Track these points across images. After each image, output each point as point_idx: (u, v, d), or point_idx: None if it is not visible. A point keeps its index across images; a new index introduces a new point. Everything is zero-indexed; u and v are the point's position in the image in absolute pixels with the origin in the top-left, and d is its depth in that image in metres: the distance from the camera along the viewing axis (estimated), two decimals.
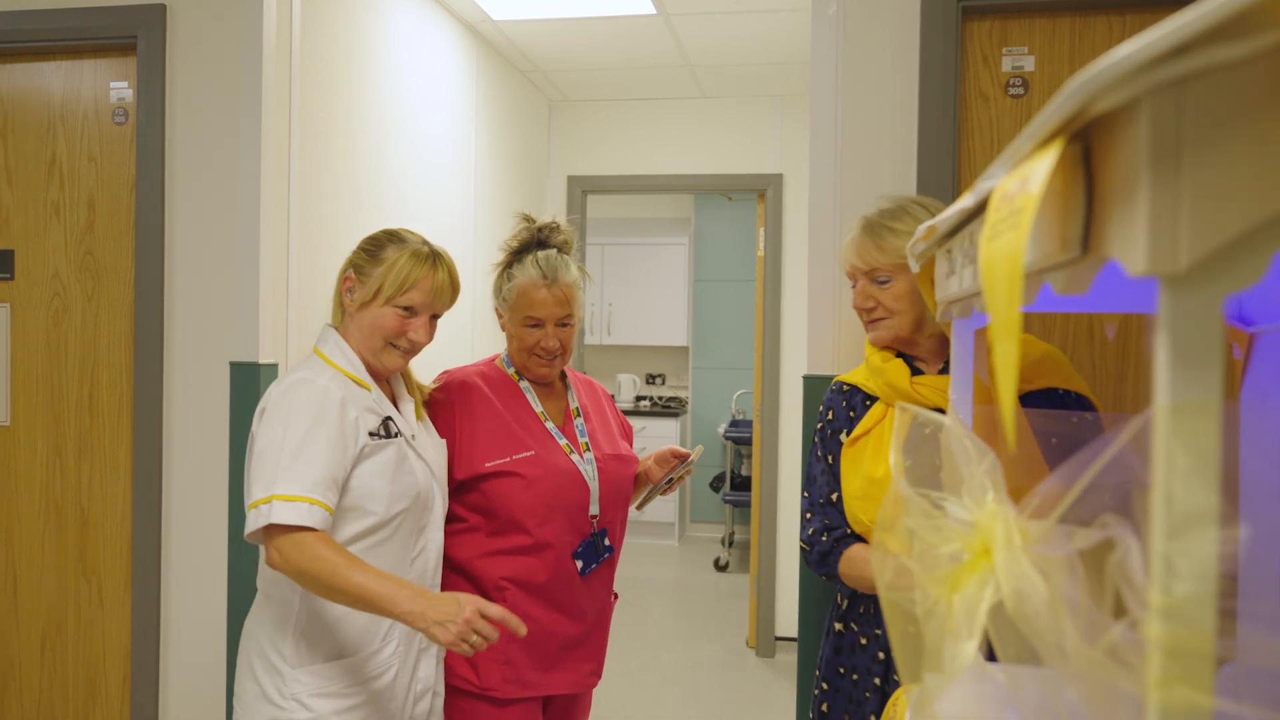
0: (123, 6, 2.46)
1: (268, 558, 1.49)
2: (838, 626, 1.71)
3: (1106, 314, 1.68)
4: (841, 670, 1.70)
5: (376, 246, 1.68)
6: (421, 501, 1.69)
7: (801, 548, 1.70)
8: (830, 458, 1.69)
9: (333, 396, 1.58)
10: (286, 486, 1.48)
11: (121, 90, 2.52)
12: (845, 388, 1.73)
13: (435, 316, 1.71)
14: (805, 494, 1.73)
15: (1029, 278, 0.76)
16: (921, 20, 2.11)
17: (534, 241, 1.91)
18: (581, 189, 4.79)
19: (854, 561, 1.60)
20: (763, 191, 4.67)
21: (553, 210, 4.76)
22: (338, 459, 1.54)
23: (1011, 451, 0.77)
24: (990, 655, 0.82)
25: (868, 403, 1.69)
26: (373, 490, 1.60)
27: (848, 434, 1.68)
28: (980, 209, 0.95)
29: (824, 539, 1.65)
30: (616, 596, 2.02)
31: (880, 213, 1.64)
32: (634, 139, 4.76)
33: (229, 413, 2.39)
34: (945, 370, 1.64)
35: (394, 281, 1.64)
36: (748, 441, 6.51)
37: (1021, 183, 0.69)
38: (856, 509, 1.61)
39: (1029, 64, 2.11)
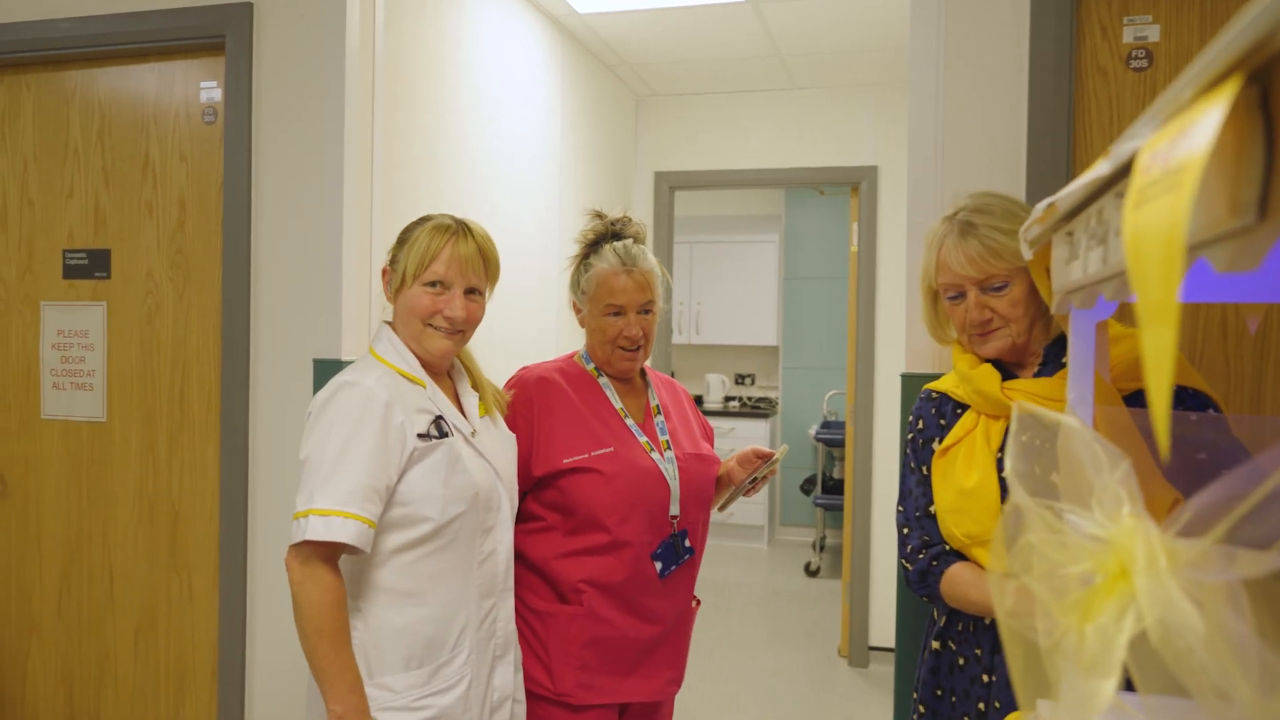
0: (211, 6, 2.48)
1: (287, 566, 1.48)
2: (935, 645, 1.59)
3: (1250, 304, 1.52)
4: (939, 692, 1.58)
5: (405, 233, 1.65)
6: (483, 502, 1.61)
7: (901, 565, 1.59)
8: (924, 468, 1.58)
9: (377, 399, 1.52)
10: (324, 499, 1.45)
11: (211, 90, 2.54)
12: (935, 395, 1.62)
13: (473, 291, 1.63)
14: (900, 508, 1.63)
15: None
16: None
17: (608, 234, 1.88)
18: (669, 185, 4.71)
19: (956, 582, 1.48)
20: (856, 185, 4.50)
21: (639, 208, 4.69)
22: (380, 467, 1.49)
23: (1165, 460, 0.66)
24: (1127, 683, 0.70)
25: (958, 411, 1.58)
26: (425, 494, 1.53)
27: (939, 443, 1.56)
28: (1115, 178, 0.83)
29: (922, 556, 1.54)
30: (699, 602, 1.93)
31: (977, 212, 1.51)
32: (722, 133, 4.65)
33: None
34: (1043, 372, 1.51)
35: (416, 258, 1.58)
36: (840, 443, 6.33)
37: (1180, 136, 0.57)
38: (949, 522, 1.50)
39: (1153, 34, 1.94)
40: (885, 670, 4.34)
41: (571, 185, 3.91)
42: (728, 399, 7.13)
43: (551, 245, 3.68)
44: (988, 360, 1.54)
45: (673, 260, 4.90)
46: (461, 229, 1.62)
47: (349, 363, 2.37)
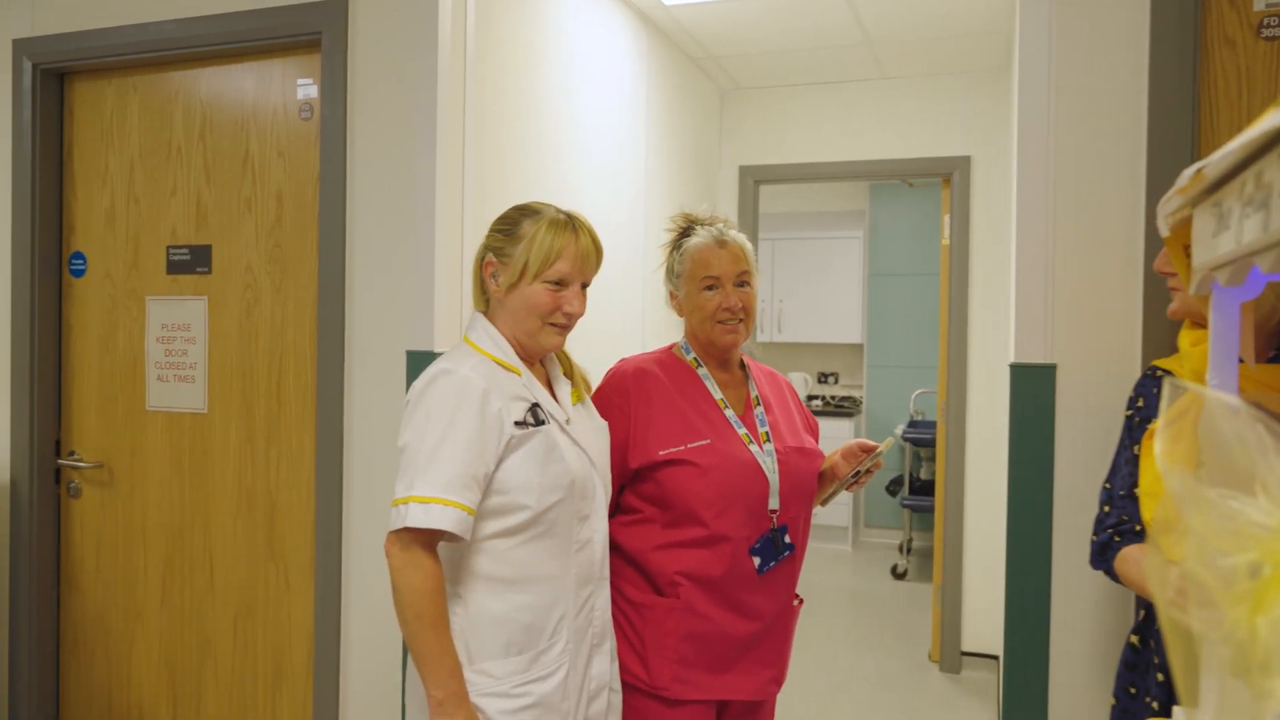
0: (307, 3, 2.52)
1: (386, 552, 1.49)
2: (1133, 640, 1.56)
3: None
4: (1133, 690, 1.54)
5: (511, 224, 1.62)
6: (579, 490, 1.59)
7: (1091, 540, 1.56)
8: (1136, 447, 1.53)
9: (474, 387, 1.51)
10: (423, 487, 1.45)
11: (307, 87, 2.58)
12: (1159, 373, 1.58)
13: (585, 285, 1.65)
14: (1106, 484, 1.60)
15: None
16: None
17: (697, 223, 1.92)
18: (754, 179, 4.64)
19: (1128, 561, 1.44)
20: (948, 176, 4.38)
21: (724, 203, 4.64)
22: (478, 455, 1.49)
23: None
24: None
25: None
26: (523, 482, 1.53)
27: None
28: None
29: (1108, 532, 1.52)
30: (801, 601, 1.87)
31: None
32: (808, 126, 4.57)
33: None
34: (1277, 359, 1.42)
35: (539, 256, 1.57)
36: (928, 443, 6.17)
37: None
38: (1147, 505, 1.45)
39: None
40: (979, 676, 4.20)
41: (657, 180, 3.88)
42: (811, 398, 7.02)
43: (638, 241, 3.65)
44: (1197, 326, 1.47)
45: (756, 257, 4.83)
46: (574, 224, 1.62)
47: (442, 354, 2.37)
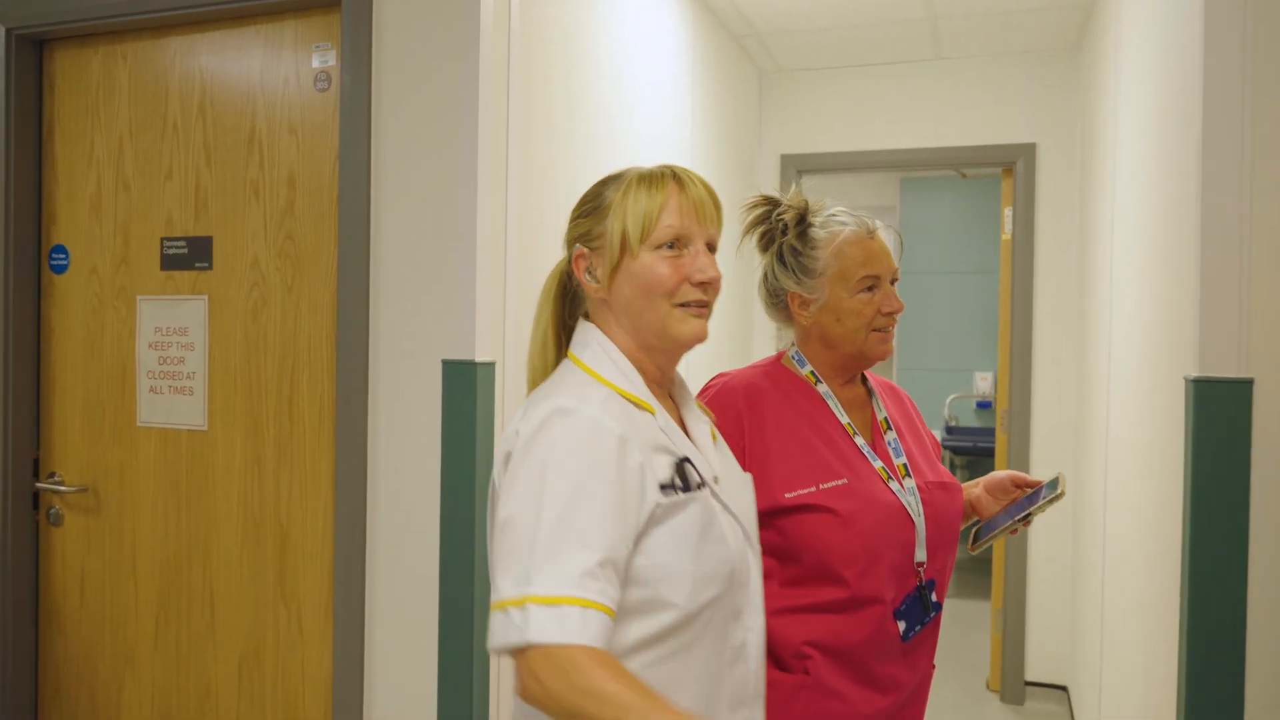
0: None
1: (522, 687, 1.00)
2: None
3: None
4: None
5: (593, 199, 1.25)
6: (738, 578, 1.15)
7: None
8: None
9: (608, 435, 1.08)
10: (546, 583, 0.99)
11: (325, 53, 2.23)
12: None
13: (712, 248, 1.23)
14: None
15: None
16: None
17: (804, 211, 1.59)
18: (796, 169, 4.30)
19: None
20: (1010, 165, 4.04)
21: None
22: (619, 530, 1.04)
23: None
24: None
25: None
26: (670, 572, 1.09)
27: None
28: None
29: None
30: (935, 667, 1.54)
31: None
32: (854, 112, 4.22)
33: (440, 418, 2.06)
34: None
35: (637, 216, 1.17)
36: (966, 451, 5.84)
37: None
38: None
39: None
40: (1045, 708, 3.87)
41: (702, 170, 3.53)
42: None
43: None
44: None
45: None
46: (674, 172, 1.21)
47: (484, 364, 2.03)
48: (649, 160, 2.99)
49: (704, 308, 1.19)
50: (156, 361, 2.38)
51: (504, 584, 1.02)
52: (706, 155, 3.60)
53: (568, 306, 1.28)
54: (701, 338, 1.19)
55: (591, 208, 1.24)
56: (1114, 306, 2.82)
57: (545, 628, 0.97)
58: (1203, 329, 1.61)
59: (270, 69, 2.28)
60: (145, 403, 2.40)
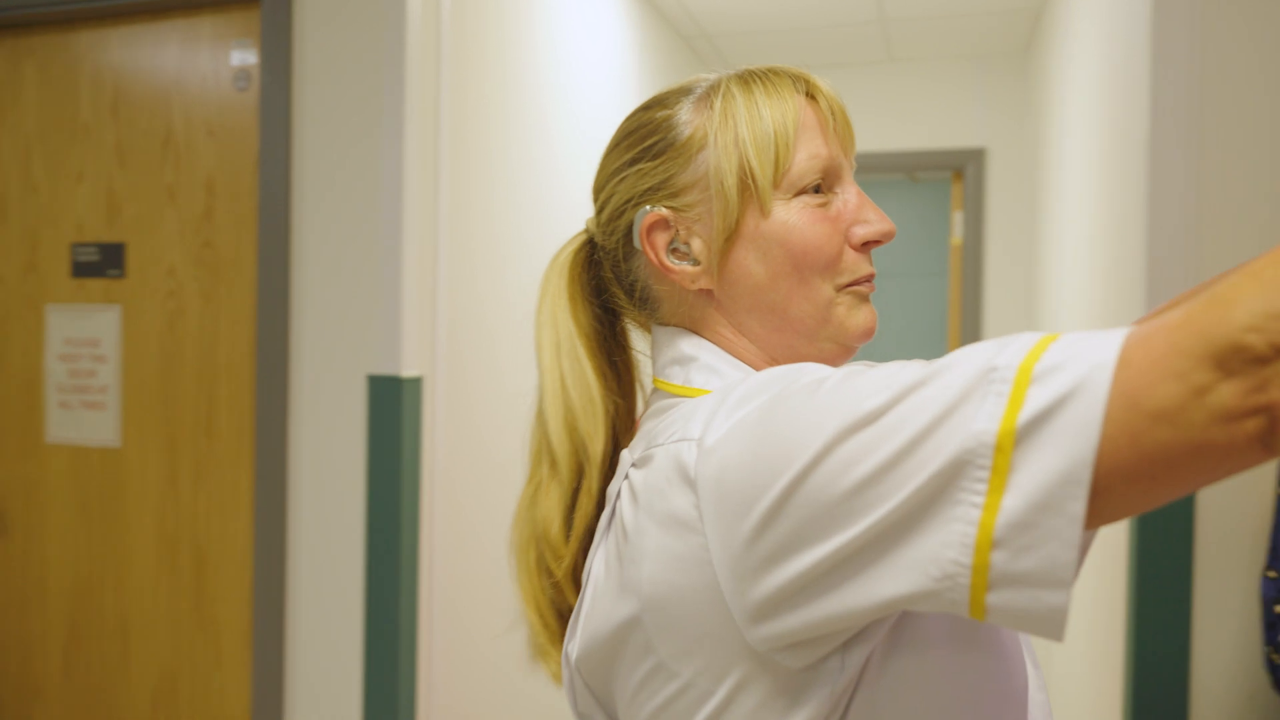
0: None
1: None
2: None
3: None
4: None
5: (661, 130, 0.75)
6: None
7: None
8: None
9: None
10: (1017, 347, 0.56)
11: (245, 50, 2.12)
12: None
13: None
14: (1270, 572, 1.32)
15: None
16: None
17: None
18: None
19: None
20: (960, 169, 4.02)
21: None
22: None
23: None
24: None
25: None
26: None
27: None
28: None
29: None
30: None
31: None
32: None
33: (366, 435, 1.96)
34: None
35: (765, 145, 0.71)
36: None
37: None
38: None
39: None
40: None
41: None
42: None
43: None
44: None
45: None
46: (791, 72, 0.76)
47: (411, 379, 1.93)
48: (594, 164, 2.91)
49: (871, 284, 0.76)
50: (66, 375, 2.25)
51: (998, 358, 0.53)
52: None
53: (591, 311, 0.82)
54: (873, 332, 0.76)
55: (661, 143, 0.75)
56: (1062, 311, 2.79)
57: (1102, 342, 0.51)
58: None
59: (187, 67, 2.16)
60: (54, 418, 2.26)
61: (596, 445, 0.77)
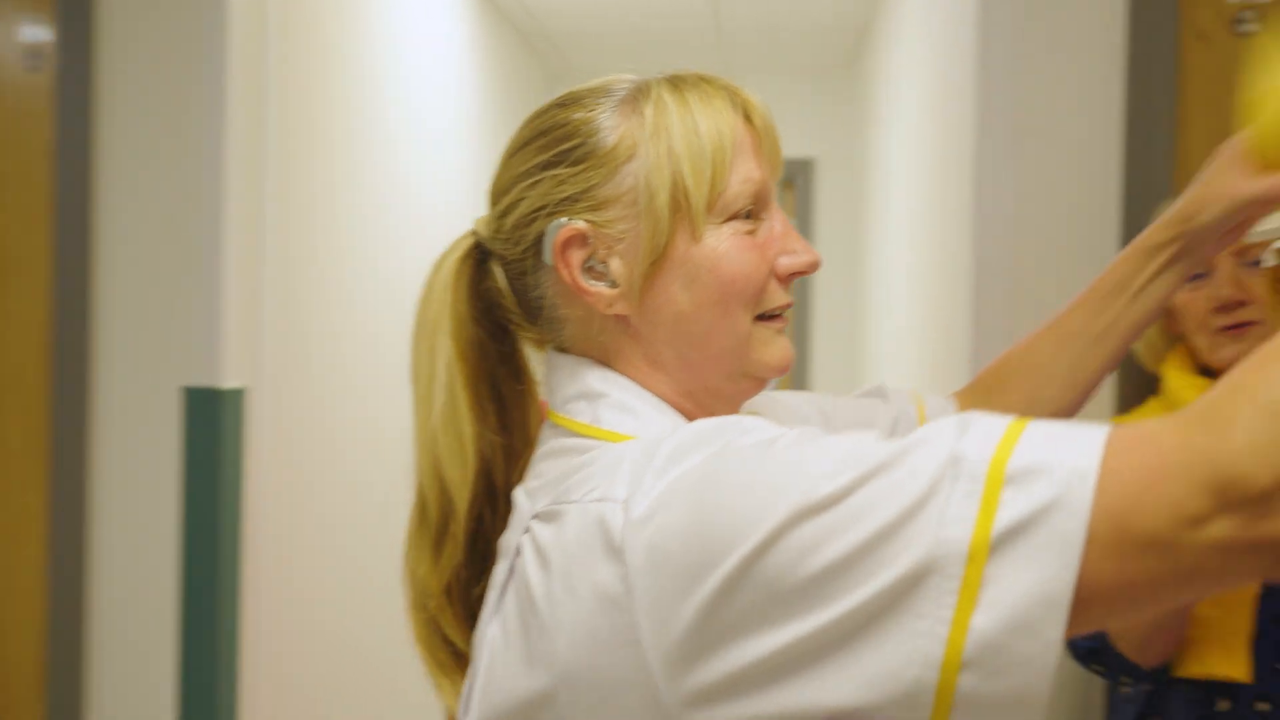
0: None
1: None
2: None
3: None
4: None
5: (581, 132, 0.69)
6: None
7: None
8: None
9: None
10: (983, 430, 0.55)
11: (37, 25, 1.90)
12: None
13: None
14: None
15: None
16: None
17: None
18: None
19: None
20: (790, 180, 4.14)
21: None
22: None
23: None
24: None
25: None
26: None
27: None
28: None
29: None
30: None
31: None
32: None
33: (181, 455, 1.79)
34: None
35: (702, 163, 0.66)
36: None
37: None
38: None
39: None
40: None
41: (486, 169, 3.38)
42: None
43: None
44: (1214, 377, 1.21)
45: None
46: (720, 83, 0.71)
47: (231, 391, 1.78)
48: (435, 164, 2.82)
49: (786, 315, 0.72)
50: None
51: (968, 448, 0.49)
52: (489, 155, 3.44)
53: (477, 329, 0.73)
54: (789, 366, 0.72)
55: (581, 148, 0.68)
56: (889, 322, 2.91)
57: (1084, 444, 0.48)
58: (974, 348, 1.64)
59: None
60: None
61: (462, 491, 0.70)
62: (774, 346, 0.70)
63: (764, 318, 0.70)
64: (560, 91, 0.75)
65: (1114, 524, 0.44)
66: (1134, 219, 1.56)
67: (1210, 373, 1.23)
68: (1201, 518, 0.43)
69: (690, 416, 0.69)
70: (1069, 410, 0.91)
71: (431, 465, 0.71)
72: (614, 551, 0.55)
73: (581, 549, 0.57)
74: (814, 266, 0.71)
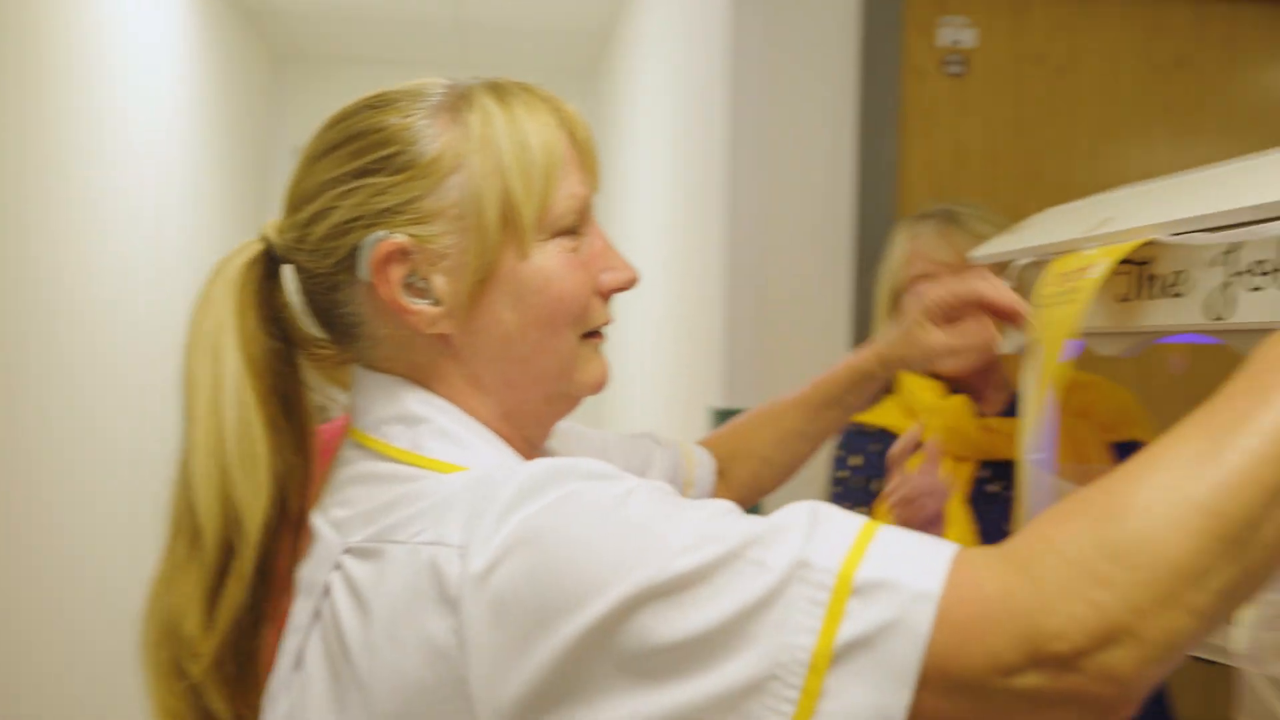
0: None
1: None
2: None
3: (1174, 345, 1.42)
4: None
5: (398, 139, 0.64)
6: None
7: None
8: (862, 509, 1.31)
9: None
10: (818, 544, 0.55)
11: None
12: (873, 429, 1.36)
13: None
14: None
15: None
16: None
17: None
18: None
19: None
20: None
21: (279, 188, 3.94)
22: None
23: None
24: None
25: None
26: None
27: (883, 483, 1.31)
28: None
29: None
30: None
31: (958, 204, 1.36)
32: None
33: None
34: (1010, 412, 1.30)
35: (534, 177, 0.64)
36: None
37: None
38: None
39: (968, 38, 1.81)
40: None
41: (207, 161, 3.12)
42: None
43: (187, 229, 2.89)
44: (943, 381, 1.32)
45: None
46: (534, 91, 0.69)
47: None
48: (143, 152, 2.55)
49: (603, 334, 0.71)
50: None
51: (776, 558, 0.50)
52: (208, 144, 3.17)
53: (267, 342, 0.68)
54: (606, 383, 0.72)
55: (401, 157, 0.63)
56: (635, 333, 2.95)
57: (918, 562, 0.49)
58: (725, 365, 1.73)
59: None
60: None
61: (255, 517, 0.63)
62: (594, 365, 0.70)
63: (586, 335, 0.69)
64: (368, 93, 0.68)
65: (938, 662, 0.46)
66: (868, 234, 1.72)
67: (939, 376, 1.37)
68: (1015, 669, 0.45)
69: (508, 440, 0.67)
70: (783, 481, 1.06)
71: (217, 489, 0.63)
72: (448, 602, 0.52)
73: (409, 595, 0.53)
74: (634, 282, 0.71)
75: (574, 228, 0.66)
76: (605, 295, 0.69)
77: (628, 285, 0.70)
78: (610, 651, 0.49)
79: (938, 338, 0.94)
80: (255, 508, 0.63)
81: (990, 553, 0.48)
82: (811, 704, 0.46)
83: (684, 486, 0.96)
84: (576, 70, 4.10)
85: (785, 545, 0.49)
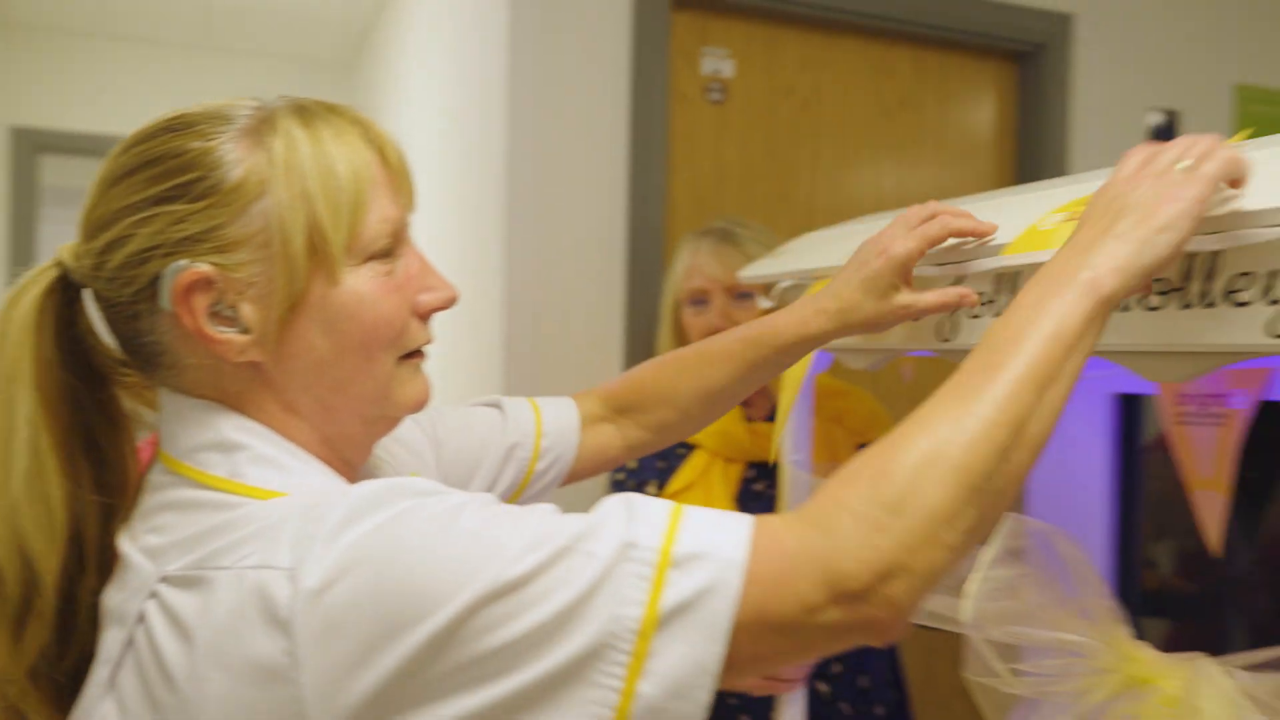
0: None
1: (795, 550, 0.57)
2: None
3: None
4: None
5: (196, 165, 0.62)
6: None
7: None
8: None
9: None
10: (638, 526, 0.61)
11: None
12: None
13: None
14: None
15: None
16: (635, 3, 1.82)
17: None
18: (33, 146, 3.63)
19: None
20: None
21: None
22: None
23: None
24: None
25: (681, 451, 1.42)
26: None
27: (659, 487, 1.39)
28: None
29: None
30: None
31: (736, 224, 1.49)
32: (116, 90, 3.71)
33: None
34: (772, 418, 1.42)
35: (335, 202, 0.63)
36: None
37: None
38: None
39: (728, 68, 1.96)
40: None
41: None
42: None
43: None
44: None
45: (36, 241, 3.77)
46: (342, 111, 0.68)
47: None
48: None
49: (424, 353, 0.72)
50: None
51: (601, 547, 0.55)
52: None
53: (64, 377, 0.66)
54: (427, 403, 0.72)
55: (203, 183, 0.62)
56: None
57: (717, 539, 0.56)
58: (506, 371, 1.78)
59: None
60: None
61: (49, 565, 0.62)
62: (413, 385, 0.70)
63: (406, 356, 0.69)
64: (164, 112, 0.68)
65: (753, 612, 0.53)
66: (638, 248, 1.82)
67: None
68: (818, 607, 0.53)
69: (329, 463, 0.67)
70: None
71: (11, 537, 0.62)
72: (278, 623, 0.53)
73: (236, 621, 0.54)
74: (453, 301, 0.71)
75: (388, 250, 0.67)
76: (424, 316, 0.70)
77: (446, 305, 0.71)
78: (454, 656, 0.52)
79: (918, 299, 0.86)
80: (49, 553, 0.62)
81: (787, 516, 0.57)
82: (640, 665, 0.52)
83: (533, 454, 0.95)
84: (332, 61, 3.96)
85: (610, 532, 0.55)
